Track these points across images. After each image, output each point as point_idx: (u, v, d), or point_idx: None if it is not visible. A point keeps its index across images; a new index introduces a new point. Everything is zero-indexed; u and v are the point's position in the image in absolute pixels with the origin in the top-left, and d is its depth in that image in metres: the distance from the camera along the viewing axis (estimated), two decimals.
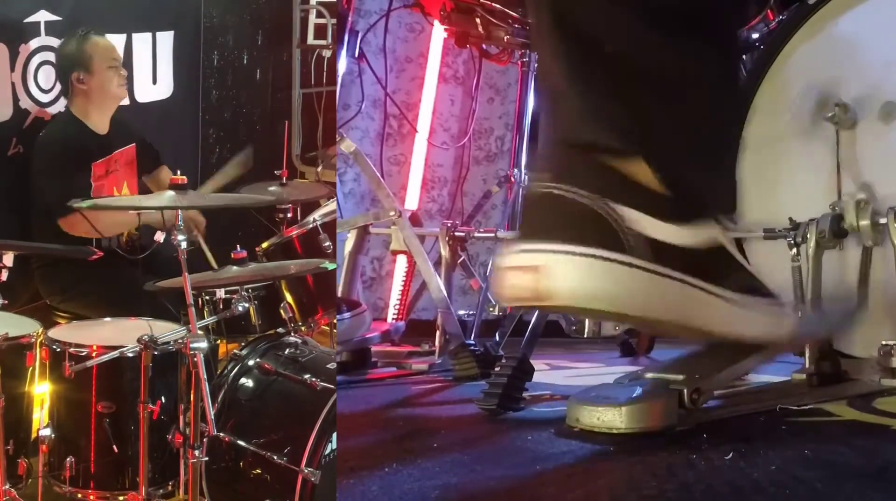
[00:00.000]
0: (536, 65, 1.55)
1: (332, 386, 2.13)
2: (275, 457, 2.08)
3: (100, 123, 2.94)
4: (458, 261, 2.78)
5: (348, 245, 2.86)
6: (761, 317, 1.47)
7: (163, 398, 2.20)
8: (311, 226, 2.59)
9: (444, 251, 2.75)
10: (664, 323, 1.39)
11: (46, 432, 2.20)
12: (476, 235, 2.83)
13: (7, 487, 2.18)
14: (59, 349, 2.26)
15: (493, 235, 2.90)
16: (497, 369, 1.85)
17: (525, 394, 1.84)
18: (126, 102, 3.13)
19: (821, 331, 1.76)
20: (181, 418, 2.13)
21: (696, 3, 1.41)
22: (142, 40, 3.38)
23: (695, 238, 1.39)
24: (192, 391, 2.06)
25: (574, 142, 1.40)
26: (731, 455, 1.27)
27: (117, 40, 3.15)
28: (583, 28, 1.38)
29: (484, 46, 2.95)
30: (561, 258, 1.30)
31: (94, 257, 2.48)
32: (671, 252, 1.36)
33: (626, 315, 1.36)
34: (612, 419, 1.41)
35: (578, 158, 1.38)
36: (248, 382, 2.28)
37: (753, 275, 1.49)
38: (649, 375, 1.55)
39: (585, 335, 2.37)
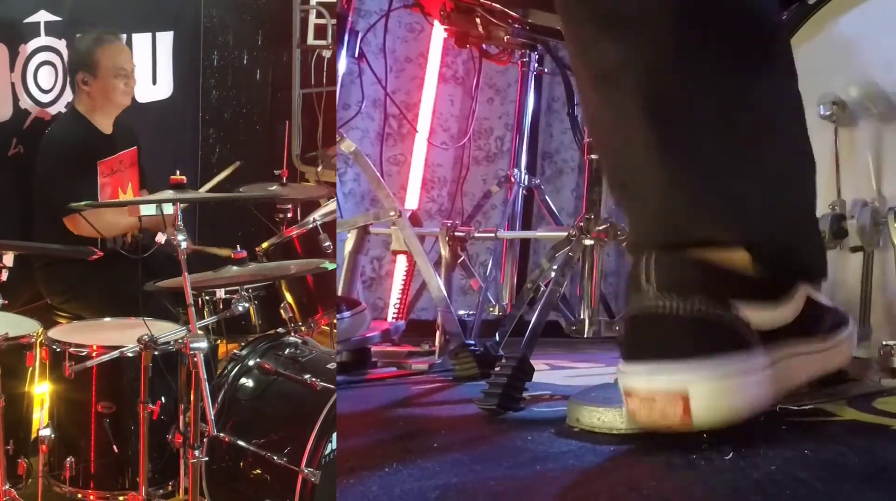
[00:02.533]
0: (603, 156, 1.46)
1: (332, 386, 2.13)
2: (275, 457, 2.08)
3: (104, 123, 2.95)
4: (458, 261, 2.78)
5: (348, 245, 2.86)
6: (842, 351, 1.48)
7: (163, 398, 2.20)
8: (311, 226, 2.59)
9: (444, 251, 2.75)
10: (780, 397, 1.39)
11: (46, 432, 2.20)
12: (476, 235, 2.83)
13: (7, 487, 2.18)
14: (59, 349, 2.26)
15: (492, 235, 2.90)
16: (497, 369, 1.85)
17: (525, 394, 1.84)
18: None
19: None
20: (181, 418, 2.13)
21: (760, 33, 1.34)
22: (142, 40, 3.38)
23: (795, 310, 1.36)
24: (192, 391, 2.06)
25: (669, 241, 1.31)
26: (731, 455, 1.27)
27: None
28: (678, 117, 1.28)
29: (484, 46, 2.95)
30: (703, 381, 1.24)
31: (95, 257, 2.48)
32: (780, 330, 1.34)
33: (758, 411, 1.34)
34: (612, 419, 1.41)
35: (679, 259, 1.29)
36: (248, 382, 2.28)
37: (833, 309, 1.47)
38: None
39: (585, 335, 2.37)
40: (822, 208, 1.98)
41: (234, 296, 2.36)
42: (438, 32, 3.24)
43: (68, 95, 3.05)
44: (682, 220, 1.31)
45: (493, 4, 2.60)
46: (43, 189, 2.85)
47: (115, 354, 2.20)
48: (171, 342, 2.19)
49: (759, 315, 1.30)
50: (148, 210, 2.34)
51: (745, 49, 1.30)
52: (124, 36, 3.09)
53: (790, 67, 1.41)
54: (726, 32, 1.30)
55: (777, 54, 1.36)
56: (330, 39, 3.75)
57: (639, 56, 1.28)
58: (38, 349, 2.28)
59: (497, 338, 2.45)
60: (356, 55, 2.91)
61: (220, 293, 2.40)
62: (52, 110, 3.07)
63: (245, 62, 3.88)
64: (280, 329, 2.46)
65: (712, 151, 1.30)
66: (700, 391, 1.23)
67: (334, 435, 2.03)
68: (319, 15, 3.84)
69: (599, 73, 1.34)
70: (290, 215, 2.90)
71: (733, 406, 1.26)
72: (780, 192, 1.36)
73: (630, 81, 1.29)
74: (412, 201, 3.65)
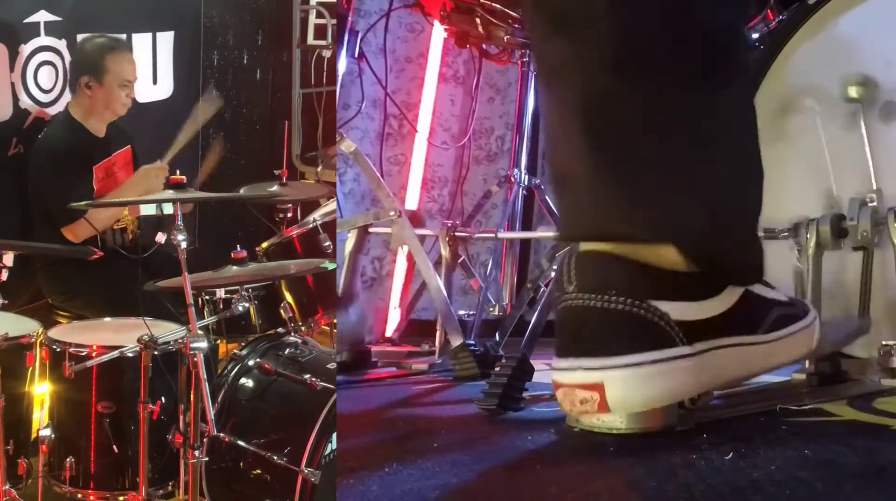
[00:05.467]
0: (547, 147, 1.50)
1: (332, 386, 2.13)
2: (275, 457, 2.08)
3: (98, 127, 2.96)
4: (459, 261, 2.77)
5: (348, 245, 2.86)
6: (794, 344, 1.49)
7: (163, 398, 2.20)
8: (311, 226, 2.59)
9: (445, 251, 2.75)
10: (716, 388, 1.42)
11: (46, 432, 2.20)
12: (476, 235, 2.83)
13: (7, 487, 2.18)
14: (59, 349, 2.26)
15: (493, 235, 2.90)
16: (497, 369, 1.85)
17: (525, 394, 1.84)
18: None
19: (839, 344, 1.78)
20: (181, 418, 2.13)
21: (715, 51, 1.34)
22: (142, 40, 3.38)
23: (726, 304, 1.38)
24: (192, 391, 2.07)
25: (591, 238, 1.35)
26: (731, 455, 1.27)
27: None
28: (613, 118, 1.32)
29: (484, 46, 2.95)
30: (616, 374, 1.31)
31: (95, 256, 2.48)
32: (708, 324, 1.36)
33: (683, 398, 1.39)
34: (612, 419, 1.41)
35: (606, 258, 1.33)
36: (248, 382, 2.28)
37: (782, 302, 1.48)
38: None
39: None
40: (822, 207, 1.99)
41: (234, 296, 2.36)
42: (438, 32, 3.24)
43: (68, 96, 3.05)
44: (606, 216, 1.35)
45: (493, 4, 2.60)
46: (39, 195, 2.84)
47: (115, 354, 2.20)
48: (171, 342, 2.19)
49: (682, 310, 1.33)
50: (148, 210, 2.34)
51: (692, 59, 1.32)
52: (123, 36, 3.09)
53: (744, 77, 1.44)
54: (673, 42, 1.31)
55: (729, 65, 1.37)
56: (330, 39, 3.75)
57: (581, 57, 1.32)
58: (38, 349, 2.28)
59: (497, 338, 2.45)
60: (356, 55, 2.91)
61: (220, 293, 2.40)
62: (52, 110, 3.07)
63: (245, 62, 3.88)
64: (280, 329, 2.46)
65: (644, 152, 1.33)
66: (613, 384, 1.31)
67: (334, 435, 2.03)
68: (319, 15, 3.84)
69: (549, 68, 1.39)
70: (290, 214, 2.91)
71: (648, 395, 1.32)
72: (717, 196, 1.38)
73: (572, 80, 1.34)
74: (412, 201, 3.65)
